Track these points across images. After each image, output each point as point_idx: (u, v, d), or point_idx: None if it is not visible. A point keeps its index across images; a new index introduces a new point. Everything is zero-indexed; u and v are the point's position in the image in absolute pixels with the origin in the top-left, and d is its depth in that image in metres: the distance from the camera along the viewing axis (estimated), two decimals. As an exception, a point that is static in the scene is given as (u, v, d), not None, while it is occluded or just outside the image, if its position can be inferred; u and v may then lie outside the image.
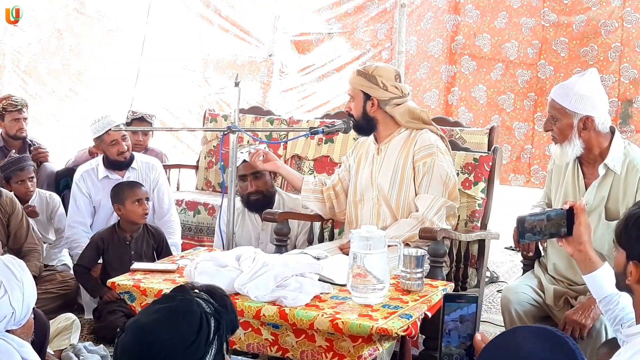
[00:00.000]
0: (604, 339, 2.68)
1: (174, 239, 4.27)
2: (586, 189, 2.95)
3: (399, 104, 3.35)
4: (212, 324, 1.63)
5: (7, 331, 2.18)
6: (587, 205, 2.88)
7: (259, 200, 3.86)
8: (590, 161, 2.96)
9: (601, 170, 2.90)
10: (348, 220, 3.55)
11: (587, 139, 2.89)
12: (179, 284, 1.82)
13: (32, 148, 5.07)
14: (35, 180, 4.48)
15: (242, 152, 3.84)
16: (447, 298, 2.06)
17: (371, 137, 3.48)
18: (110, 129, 4.19)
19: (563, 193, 3.04)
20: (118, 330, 1.67)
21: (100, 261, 3.98)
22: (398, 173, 3.35)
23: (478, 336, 2.03)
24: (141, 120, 5.03)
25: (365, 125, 3.40)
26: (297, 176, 3.71)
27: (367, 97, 3.34)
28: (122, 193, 3.91)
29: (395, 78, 3.36)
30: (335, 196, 3.60)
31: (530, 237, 2.28)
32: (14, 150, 4.71)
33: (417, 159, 3.30)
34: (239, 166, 3.83)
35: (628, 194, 2.87)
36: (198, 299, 1.66)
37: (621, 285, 1.96)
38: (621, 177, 2.89)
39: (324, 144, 4.73)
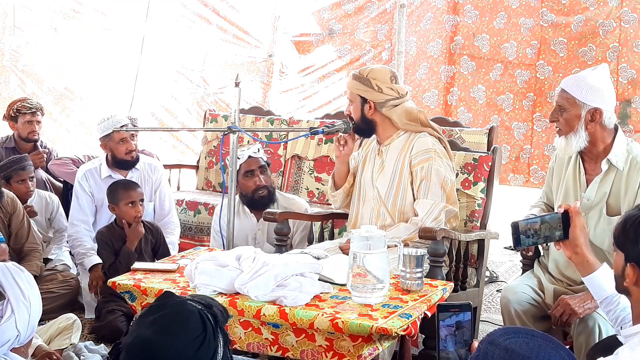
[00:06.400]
0: (597, 339, 2.68)
1: (171, 238, 4.28)
2: (587, 185, 2.96)
3: (396, 105, 3.35)
4: (211, 318, 1.61)
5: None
6: (588, 201, 2.89)
7: (264, 197, 3.88)
8: (592, 157, 2.97)
9: (604, 165, 2.92)
10: (350, 216, 3.56)
11: (592, 132, 2.90)
12: (164, 290, 1.79)
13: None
14: (35, 180, 4.49)
15: (242, 151, 3.86)
16: (440, 308, 2.06)
17: (374, 136, 3.49)
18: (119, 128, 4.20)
19: (564, 189, 3.05)
20: (117, 342, 1.59)
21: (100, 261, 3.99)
22: (395, 178, 3.35)
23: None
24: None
25: (365, 128, 3.42)
26: (346, 172, 3.61)
27: (364, 100, 3.35)
28: (116, 194, 3.90)
29: (390, 80, 3.35)
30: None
31: (525, 240, 2.29)
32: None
33: (415, 163, 3.30)
34: (243, 163, 3.85)
35: (630, 191, 2.88)
36: (187, 299, 1.63)
37: (620, 287, 1.97)
38: (623, 173, 2.90)
39: (324, 144, 4.75)
